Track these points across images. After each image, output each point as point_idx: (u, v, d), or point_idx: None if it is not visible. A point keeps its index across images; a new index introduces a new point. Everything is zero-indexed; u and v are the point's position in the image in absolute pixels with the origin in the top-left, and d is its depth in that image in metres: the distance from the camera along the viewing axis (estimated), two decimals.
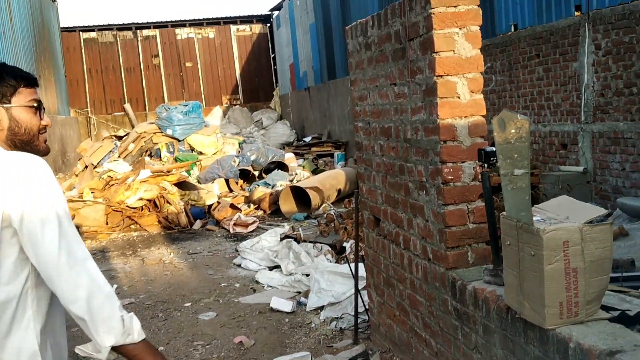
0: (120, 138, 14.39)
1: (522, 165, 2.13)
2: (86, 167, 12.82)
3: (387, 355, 3.76)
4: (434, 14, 2.71)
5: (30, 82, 1.79)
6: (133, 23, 23.11)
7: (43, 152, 1.80)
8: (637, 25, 6.01)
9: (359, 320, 4.43)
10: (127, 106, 20.52)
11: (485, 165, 2.58)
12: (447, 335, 2.97)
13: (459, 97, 2.78)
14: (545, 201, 2.43)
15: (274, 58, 23.57)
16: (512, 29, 8.29)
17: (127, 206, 9.42)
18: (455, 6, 2.72)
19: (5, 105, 1.74)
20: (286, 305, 5.29)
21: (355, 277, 4.39)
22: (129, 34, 23.03)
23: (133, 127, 18.75)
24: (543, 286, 2.08)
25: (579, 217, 2.13)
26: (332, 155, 14.60)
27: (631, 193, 6.28)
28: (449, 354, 2.97)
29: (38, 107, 1.80)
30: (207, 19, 23.68)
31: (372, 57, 3.49)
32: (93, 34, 22.76)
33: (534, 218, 2.16)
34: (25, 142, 1.76)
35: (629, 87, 6.22)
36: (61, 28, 21.20)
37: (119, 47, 22.92)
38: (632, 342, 1.94)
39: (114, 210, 9.39)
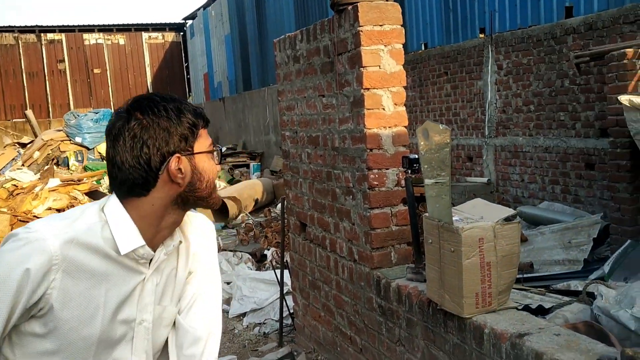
0: (24, 145, 13.70)
1: (444, 171, 2.37)
2: None
3: (313, 356, 3.91)
4: (362, 31, 2.93)
5: (207, 120, 1.40)
6: (37, 26, 22.07)
7: (216, 206, 1.48)
8: (534, 48, 6.60)
9: (283, 324, 4.55)
10: (29, 112, 19.52)
11: (409, 171, 2.82)
12: (371, 331, 3.17)
13: (384, 109, 3.01)
14: None
15: (187, 67, 23.31)
16: (423, 48, 8.79)
17: (34, 216, 9.00)
18: (381, 25, 2.95)
19: (187, 154, 1.34)
20: None
21: (281, 281, 4.52)
22: (32, 36, 21.95)
23: (35, 134, 17.86)
24: (461, 279, 2.32)
25: (491, 217, 2.40)
26: (247, 166, 14.64)
27: (529, 202, 6.85)
28: (373, 349, 3.17)
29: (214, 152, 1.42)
30: (117, 25, 23.04)
31: (301, 70, 3.67)
32: None
33: (453, 218, 2.40)
34: (202, 197, 1.39)
35: (527, 105, 6.80)
36: None
37: (21, 50, 21.78)
38: (537, 326, 2.21)
39: (20, 221, 8.94)
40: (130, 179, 1.31)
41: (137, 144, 1.29)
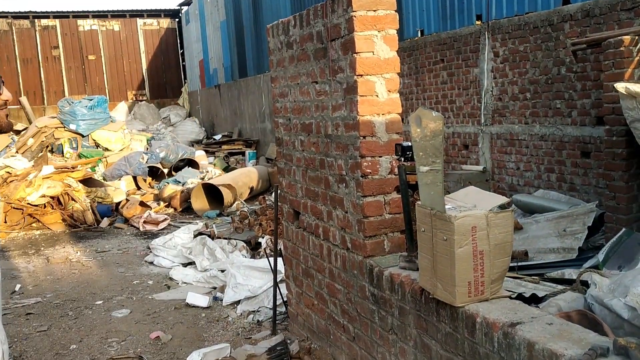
0: (18, 132, 13.60)
1: (438, 158, 2.34)
2: None
3: (306, 343, 3.90)
4: (355, 16, 2.88)
5: None
6: (30, 11, 21.87)
7: (6, 129, 1.62)
8: (531, 35, 6.55)
9: (277, 312, 4.54)
10: (24, 99, 19.40)
11: (402, 158, 2.78)
12: (364, 320, 3.16)
13: (377, 96, 2.97)
14: None
15: (183, 54, 23.15)
16: (419, 34, 8.72)
17: (28, 203, 8.96)
18: (375, 10, 2.90)
19: None
20: (202, 301, 5.30)
21: (274, 269, 4.50)
22: (25, 22, 21.76)
23: (30, 121, 17.76)
24: (454, 267, 2.30)
25: (484, 205, 2.37)
26: (243, 154, 14.59)
27: (525, 190, 6.83)
28: (366, 337, 3.16)
29: None
30: (112, 11, 22.87)
31: (294, 56, 3.62)
32: None
33: (446, 206, 2.38)
34: None
35: (523, 92, 6.76)
36: None
37: (15, 37, 21.59)
38: (530, 315, 2.19)
39: (14, 208, 8.91)
40: None
41: None
